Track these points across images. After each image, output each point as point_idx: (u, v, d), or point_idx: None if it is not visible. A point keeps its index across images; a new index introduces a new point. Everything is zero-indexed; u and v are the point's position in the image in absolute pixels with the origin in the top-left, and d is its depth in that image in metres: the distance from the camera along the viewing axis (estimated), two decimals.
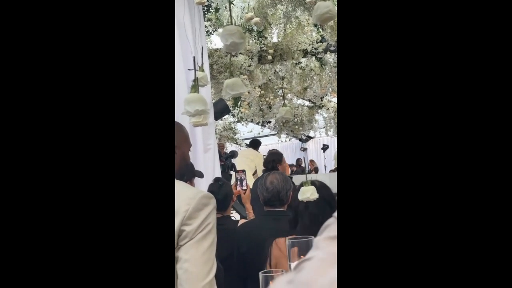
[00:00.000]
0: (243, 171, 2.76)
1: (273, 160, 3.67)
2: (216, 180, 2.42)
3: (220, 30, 4.17)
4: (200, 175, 2.48)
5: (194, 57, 1.20)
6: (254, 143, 5.85)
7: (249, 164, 5.24)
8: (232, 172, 5.74)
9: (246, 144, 7.97)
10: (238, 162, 5.17)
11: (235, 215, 2.72)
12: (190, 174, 2.23)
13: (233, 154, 6.10)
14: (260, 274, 1.03)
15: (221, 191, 2.25)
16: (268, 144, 8.10)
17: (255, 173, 5.25)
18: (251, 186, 2.82)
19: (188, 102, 1.16)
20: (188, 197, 1.17)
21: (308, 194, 1.53)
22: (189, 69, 1.90)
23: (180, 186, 1.25)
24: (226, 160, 5.27)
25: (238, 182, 2.70)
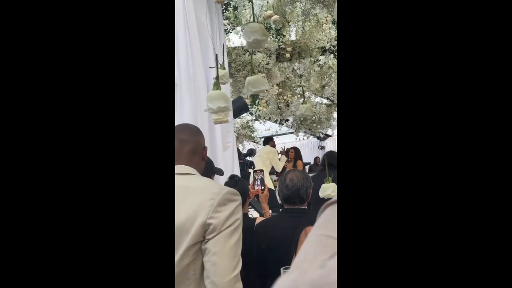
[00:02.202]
0: (261, 171, 2.76)
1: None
2: (232, 177, 2.44)
3: (239, 28, 4.18)
4: (220, 172, 2.50)
5: (216, 55, 1.21)
6: (266, 140, 5.88)
7: (265, 162, 5.26)
8: (250, 170, 5.76)
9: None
10: (255, 162, 5.20)
11: (252, 213, 2.73)
12: (210, 172, 2.24)
13: (252, 152, 6.11)
14: (282, 270, 1.03)
15: (237, 188, 2.26)
16: (286, 142, 8.09)
17: (273, 173, 5.25)
18: (269, 186, 2.83)
19: (210, 99, 1.17)
20: (213, 192, 1.21)
21: (329, 191, 1.53)
22: (210, 67, 1.92)
23: (206, 182, 1.29)
24: (245, 158, 5.28)
25: (256, 182, 2.70)
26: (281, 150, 6.28)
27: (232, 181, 2.35)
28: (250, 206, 2.68)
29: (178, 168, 1.29)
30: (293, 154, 6.15)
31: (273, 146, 5.90)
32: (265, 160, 5.37)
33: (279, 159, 5.79)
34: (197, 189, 1.23)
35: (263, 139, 6.27)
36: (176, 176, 1.25)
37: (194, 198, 1.19)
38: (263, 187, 2.64)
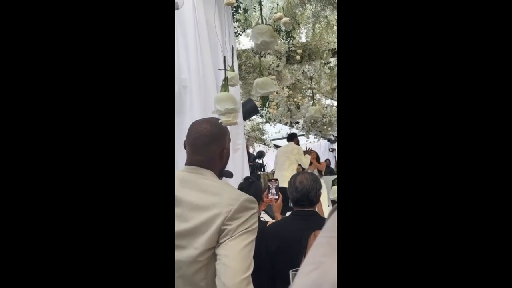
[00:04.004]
0: (276, 180, 2.73)
1: None
2: (246, 178, 2.44)
3: (249, 30, 4.19)
4: (229, 175, 2.49)
5: (224, 57, 1.21)
6: (290, 137, 5.76)
7: (291, 161, 5.20)
8: (260, 172, 5.72)
9: (274, 145, 7.98)
10: (279, 159, 5.15)
11: (263, 216, 2.72)
12: (219, 175, 2.24)
13: (261, 154, 6.09)
14: (291, 273, 1.03)
15: (251, 189, 2.26)
16: None
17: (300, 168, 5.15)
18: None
19: (218, 101, 1.17)
20: (231, 198, 1.20)
21: None
22: (219, 69, 1.92)
23: (225, 187, 1.28)
24: (255, 161, 5.27)
25: (271, 191, 2.66)
26: (306, 149, 6.17)
27: (247, 183, 2.35)
28: (264, 212, 2.66)
29: (194, 169, 1.29)
30: (315, 155, 6.06)
31: (297, 143, 5.75)
32: (291, 159, 5.27)
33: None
34: (215, 193, 1.22)
35: (288, 135, 6.10)
36: (191, 176, 1.26)
37: (212, 203, 1.19)
38: (277, 197, 2.61)
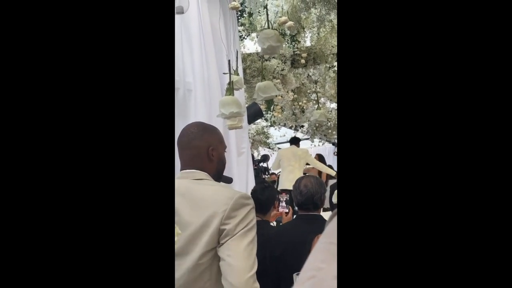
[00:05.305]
0: (287, 193, 2.71)
1: None
2: (261, 182, 2.43)
3: (254, 34, 4.20)
4: (228, 180, 2.48)
5: (229, 61, 1.22)
6: (294, 140, 5.77)
7: (300, 162, 5.21)
8: (264, 176, 5.71)
9: (279, 149, 7.96)
10: (282, 163, 5.15)
11: (274, 222, 2.70)
12: (217, 179, 2.23)
13: (265, 158, 6.09)
14: (294, 276, 1.03)
15: (264, 193, 2.26)
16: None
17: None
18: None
19: (223, 105, 1.18)
20: (226, 197, 1.21)
21: None
22: (224, 73, 1.93)
23: (218, 188, 1.29)
24: (259, 164, 5.27)
25: (281, 204, 2.63)
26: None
27: (261, 186, 2.34)
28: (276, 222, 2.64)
29: (187, 173, 1.30)
30: (317, 159, 6.07)
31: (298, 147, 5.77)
32: (300, 160, 5.28)
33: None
34: (210, 194, 1.23)
35: (290, 138, 6.11)
36: (185, 181, 1.27)
37: (208, 204, 1.20)
38: (287, 210, 2.59)
